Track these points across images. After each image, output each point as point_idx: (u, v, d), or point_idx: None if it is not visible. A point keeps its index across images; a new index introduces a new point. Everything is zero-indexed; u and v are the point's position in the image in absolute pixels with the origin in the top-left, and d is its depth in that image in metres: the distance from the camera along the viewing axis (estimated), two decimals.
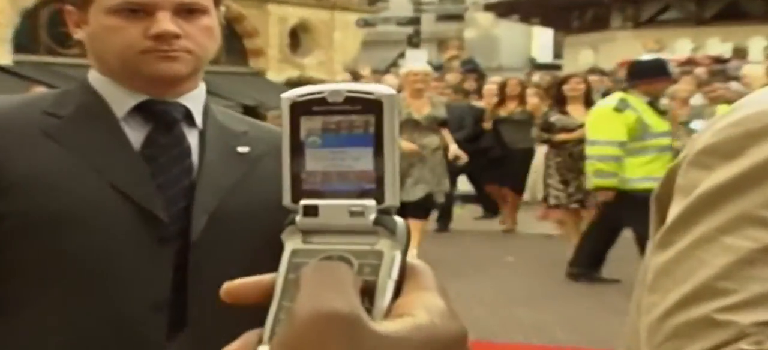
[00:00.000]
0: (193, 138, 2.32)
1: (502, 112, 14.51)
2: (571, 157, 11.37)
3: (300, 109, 0.85)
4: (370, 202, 0.83)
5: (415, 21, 31.36)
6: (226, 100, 33.46)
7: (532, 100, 14.62)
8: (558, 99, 12.27)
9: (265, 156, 2.35)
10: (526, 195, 14.79)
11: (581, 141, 10.69)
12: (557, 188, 11.60)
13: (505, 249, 13.07)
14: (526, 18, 34.39)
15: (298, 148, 0.85)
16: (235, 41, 39.01)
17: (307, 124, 0.84)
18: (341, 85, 0.83)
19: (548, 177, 11.80)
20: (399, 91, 10.22)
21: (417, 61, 15.39)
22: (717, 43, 25.10)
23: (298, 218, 0.84)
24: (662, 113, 9.98)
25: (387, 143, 0.83)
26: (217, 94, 33.95)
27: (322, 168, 0.84)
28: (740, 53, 23.01)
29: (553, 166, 11.75)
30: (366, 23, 35.95)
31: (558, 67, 29.42)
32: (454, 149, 11.82)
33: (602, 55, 26.95)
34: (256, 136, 2.44)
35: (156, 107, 2.29)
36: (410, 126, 10.69)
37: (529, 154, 14.02)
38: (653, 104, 9.75)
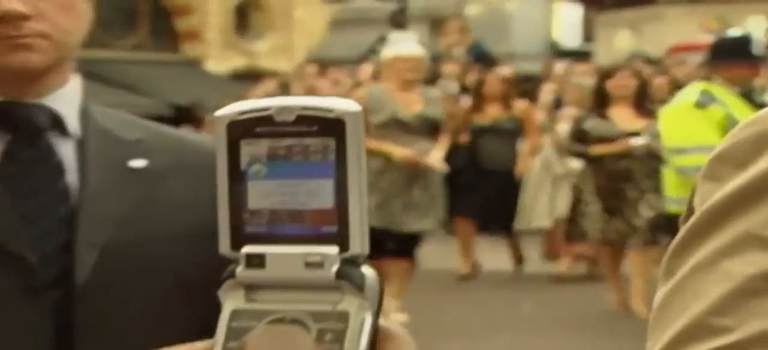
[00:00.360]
0: (67, 150, 2.14)
1: (481, 120, 13.90)
2: (609, 177, 11.18)
3: (240, 130, 0.84)
4: (332, 250, 0.82)
5: None
6: (151, 97, 33.86)
7: (521, 104, 14.11)
8: (599, 98, 11.91)
9: (168, 171, 2.18)
10: (520, 223, 14.44)
11: (624, 156, 10.62)
12: (599, 218, 11.33)
13: (513, 295, 13.06)
14: None
15: (237, 180, 0.84)
16: (163, 21, 39.32)
17: (249, 149, 0.84)
18: (292, 100, 0.83)
19: (583, 204, 11.56)
20: (379, 78, 9.99)
21: (405, 44, 15.23)
22: None
23: (240, 269, 0.83)
24: (759, 107, 9.78)
25: (352, 173, 0.82)
26: (139, 90, 34.17)
27: (269, 205, 0.84)
28: None
29: (590, 190, 11.47)
30: None
31: (587, 54, 29.61)
32: (435, 157, 10.98)
33: (646, 38, 27.11)
34: (155, 144, 2.24)
35: (13, 111, 2.12)
36: (395, 128, 10.12)
37: (511, 177, 13.69)
38: (748, 96, 9.60)
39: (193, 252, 1.95)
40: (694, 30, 25.53)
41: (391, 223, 9.66)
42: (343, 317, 0.81)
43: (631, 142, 10.66)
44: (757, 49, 10.45)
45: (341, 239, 0.82)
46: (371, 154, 8.84)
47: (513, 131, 13.44)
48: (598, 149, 11.07)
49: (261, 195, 0.84)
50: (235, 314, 0.84)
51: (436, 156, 10.93)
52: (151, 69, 36.96)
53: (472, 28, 28.70)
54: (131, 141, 2.23)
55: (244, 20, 40.06)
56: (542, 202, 13.08)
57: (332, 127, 0.81)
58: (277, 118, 0.83)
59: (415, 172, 10.06)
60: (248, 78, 20.83)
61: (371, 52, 24.29)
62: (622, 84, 11.29)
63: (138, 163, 2.17)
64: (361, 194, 0.82)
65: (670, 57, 19.12)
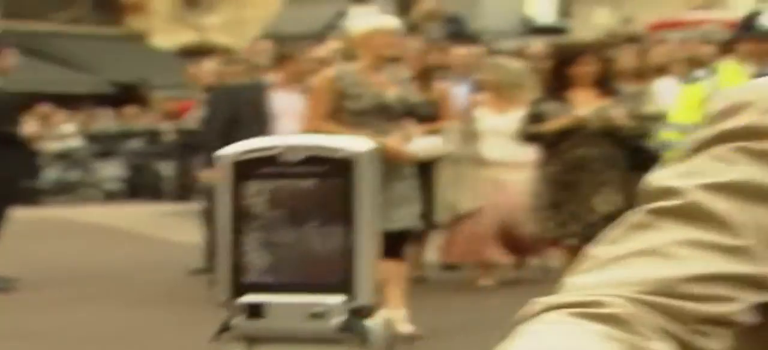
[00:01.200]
0: None
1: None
2: (565, 167, 10.73)
3: (244, 171, 0.84)
4: (337, 299, 0.82)
5: None
6: (93, 73, 33.64)
7: (438, 85, 12.91)
8: (557, 79, 11.46)
9: None
10: (442, 215, 13.23)
11: (583, 143, 10.36)
12: (548, 213, 10.86)
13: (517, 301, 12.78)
14: None
15: (240, 224, 0.83)
16: None
17: (253, 190, 0.84)
18: (300, 140, 0.83)
19: (534, 197, 11.07)
20: (349, 57, 9.56)
21: (378, 16, 14.54)
22: None
23: (240, 320, 0.83)
24: None
25: (361, 218, 0.82)
26: (79, 66, 34.00)
27: (272, 251, 0.83)
28: None
29: (542, 178, 11.00)
30: None
31: (563, 31, 29.62)
32: (426, 143, 10.53)
33: (626, 15, 27.13)
34: None
35: None
36: (377, 113, 9.30)
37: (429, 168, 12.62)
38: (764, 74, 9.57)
39: None
40: (678, 6, 25.63)
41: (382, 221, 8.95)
42: None
43: (578, 113, 10.24)
44: (764, 24, 10.34)
45: (347, 288, 0.82)
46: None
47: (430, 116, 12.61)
48: (549, 125, 10.54)
49: (264, 240, 0.83)
50: None
51: (425, 143, 10.49)
52: (92, 43, 36.63)
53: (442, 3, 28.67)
54: None
55: None
56: (445, 195, 12.25)
57: (340, 167, 0.81)
58: (283, 158, 0.83)
59: (395, 165, 9.22)
60: (198, 54, 20.35)
61: (330, 28, 24.18)
62: (585, 71, 10.90)
63: None
64: (371, 240, 0.82)
65: (650, 33, 18.99)
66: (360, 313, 0.83)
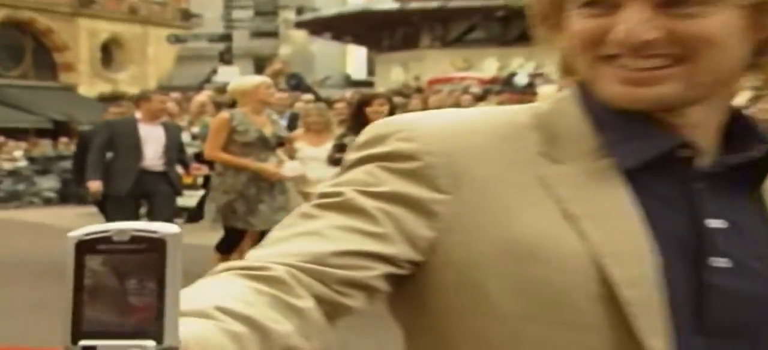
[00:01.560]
0: None
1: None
2: None
3: (85, 248, 0.80)
4: (150, 343, 0.78)
5: (226, 38, 31.51)
6: (36, 114, 33.08)
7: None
8: (357, 119, 10.92)
9: None
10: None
11: None
12: None
13: None
14: (339, 36, 34.87)
15: (81, 287, 0.79)
16: (45, 55, 38.40)
17: (92, 262, 0.80)
18: (127, 225, 0.80)
19: None
20: (233, 105, 9.27)
21: (231, 76, 14.93)
22: (521, 63, 25.96)
23: None
24: None
25: (169, 282, 0.79)
26: (26, 109, 33.30)
27: (103, 306, 0.79)
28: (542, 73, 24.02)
29: None
30: (177, 39, 36.19)
31: (371, 84, 29.83)
32: (292, 166, 10.19)
33: (412, 73, 27.43)
34: None
35: None
36: (259, 145, 9.07)
37: None
38: None
39: None
40: (448, 68, 26.03)
41: (264, 224, 9.01)
42: None
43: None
44: (520, 82, 10.90)
45: (158, 334, 0.78)
46: (240, 168, 8.56)
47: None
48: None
49: (98, 297, 0.79)
50: None
51: (291, 166, 10.22)
52: (35, 91, 36.01)
53: (287, 60, 28.75)
54: None
55: (108, 55, 39.47)
56: None
57: (156, 244, 0.78)
58: (115, 238, 0.79)
59: (276, 181, 9.25)
60: (111, 100, 20.37)
61: (206, 81, 24.03)
62: (377, 110, 10.90)
63: None
64: (176, 297, 0.79)
65: (429, 87, 19.47)
66: None
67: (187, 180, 12.59)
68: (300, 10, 36.54)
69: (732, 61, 1.16)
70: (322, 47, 37.37)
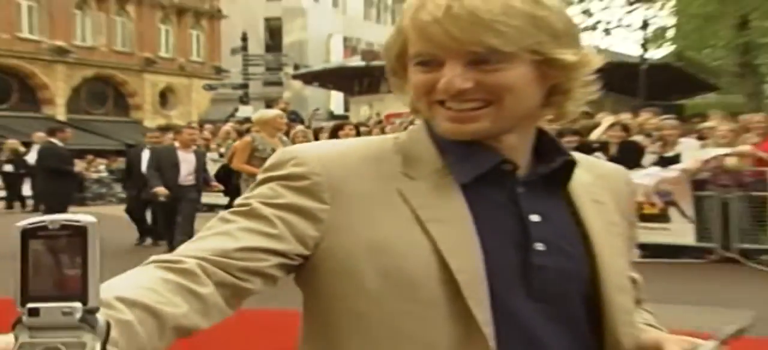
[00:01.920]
0: None
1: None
2: None
3: (29, 234, 0.78)
4: (77, 304, 0.76)
5: (244, 86, 31.41)
6: (114, 140, 32.76)
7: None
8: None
9: None
10: None
11: None
12: None
13: None
14: (324, 84, 34.51)
15: (26, 262, 0.78)
16: (121, 99, 38.21)
17: (34, 244, 0.77)
18: (58, 216, 0.77)
19: None
20: (257, 131, 8.98)
21: (248, 113, 14.45)
22: None
23: (25, 318, 0.77)
24: None
25: (91, 258, 0.77)
26: (108, 136, 32.99)
27: (43, 277, 0.77)
28: None
29: None
30: (210, 87, 35.95)
31: (347, 117, 29.78)
32: None
33: (375, 110, 27.40)
34: None
35: None
36: None
37: None
38: None
39: None
40: (400, 106, 25.96)
41: None
42: (82, 345, 0.75)
43: None
44: None
45: (83, 297, 0.75)
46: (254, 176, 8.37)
47: None
48: None
49: (40, 269, 0.76)
50: (22, 345, 0.77)
51: None
52: (114, 126, 35.71)
53: (290, 102, 28.64)
54: None
55: (164, 99, 39.15)
56: None
57: (80, 231, 0.75)
58: (50, 227, 0.76)
59: None
60: (167, 130, 19.97)
61: (230, 117, 23.84)
62: (347, 133, 10.79)
63: None
64: (96, 269, 0.76)
65: (387, 120, 19.30)
66: (91, 312, 0.76)
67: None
68: (296, 67, 36.31)
69: (529, 101, 1.13)
70: (313, 92, 37.12)
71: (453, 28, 1.05)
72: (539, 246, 1.13)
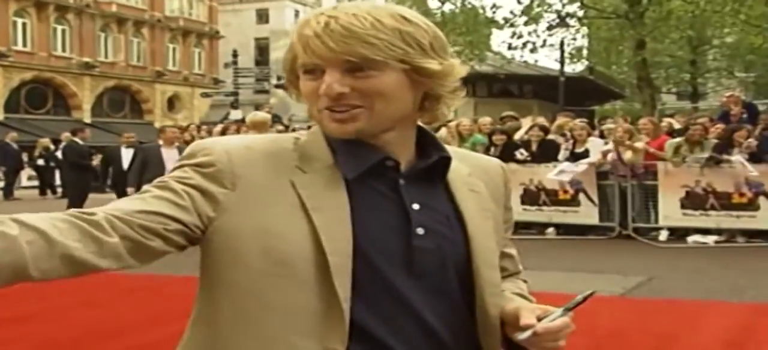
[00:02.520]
0: None
1: None
2: None
3: None
4: None
5: (235, 94, 31.24)
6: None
7: None
8: None
9: None
10: None
11: None
12: None
13: None
14: None
15: None
16: (136, 104, 37.85)
17: None
18: None
19: None
20: (249, 130, 8.50)
21: (237, 116, 14.18)
22: None
23: None
24: None
25: None
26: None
27: None
28: None
29: None
30: (206, 95, 35.90)
31: None
32: None
33: None
34: None
35: None
36: None
37: None
38: None
39: None
40: None
41: None
42: None
43: None
44: None
45: None
46: None
47: None
48: None
49: None
50: None
51: None
52: (130, 126, 35.33)
53: (274, 108, 28.43)
54: None
55: (172, 104, 38.64)
56: None
57: None
58: None
59: None
60: (175, 129, 19.90)
61: (224, 119, 23.65)
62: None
63: None
64: None
65: None
66: None
67: None
68: (280, 78, 36.02)
69: (401, 104, 1.08)
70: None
71: (330, 41, 1.03)
72: (420, 231, 1.09)
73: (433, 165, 1.14)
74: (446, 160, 1.16)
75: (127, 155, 10.80)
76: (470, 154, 1.27)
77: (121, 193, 10.59)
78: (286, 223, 1.05)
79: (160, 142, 9.64)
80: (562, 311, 1.05)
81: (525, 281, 1.31)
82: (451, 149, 1.20)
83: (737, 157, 9.03)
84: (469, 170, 1.21)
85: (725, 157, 9.08)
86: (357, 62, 1.04)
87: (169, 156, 9.35)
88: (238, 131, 12.18)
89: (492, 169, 1.26)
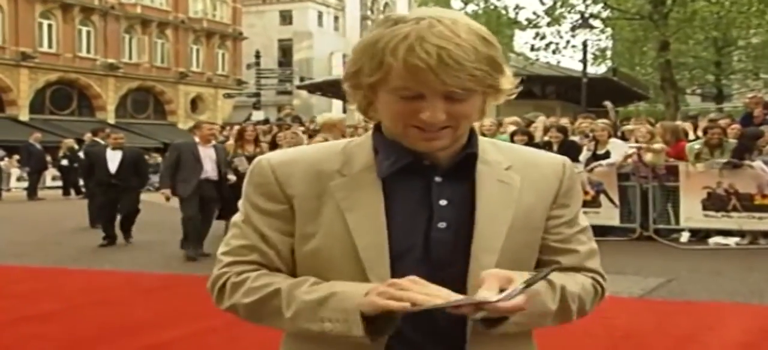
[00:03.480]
0: None
1: (241, 151, 9.91)
2: None
3: None
4: None
5: (257, 95, 31.32)
6: (154, 139, 32.70)
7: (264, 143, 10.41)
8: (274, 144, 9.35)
9: None
10: None
11: None
12: None
13: None
14: (326, 94, 34.34)
15: None
16: (159, 105, 38.11)
17: None
18: None
19: None
20: (325, 135, 7.56)
21: (259, 117, 13.81)
22: None
23: None
24: None
25: None
26: (148, 136, 32.91)
27: None
28: None
29: None
30: (229, 96, 35.98)
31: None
32: None
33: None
34: None
35: None
36: None
37: None
38: None
39: None
40: None
41: None
42: None
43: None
44: None
45: None
46: None
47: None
48: None
49: None
50: None
51: None
52: (153, 127, 35.62)
53: (297, 109, 28.58)
54: None
55: (195, 105, 38.86)
56: None
57: None
58: None
59: None
60: (197, 129, 19.94)
61: (247, 119, 23.79)
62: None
63: None
64: None
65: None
66: None
67: None
68: (303, 79, 36.36)
69: (476, 118, 1.15)
70: (318, 100, 37.05)
71: (446, 77, 1.06)
72: (441, 225, 1.14)
73: (462, 161, 1.18)
74: (472, 156, 1.19)
75: (113, 157, 9.84)
76: (526, 149, 1.29)
77: (108, 198, 9.86)
78: (324, 227, 1.14)
79: (196, 140, 8.79)
80: (522, 286, 1.04)
81: (595, 279, 1.27)
82: (505, 145, 1.26)
83: (758, 162, 8.95)
84: (510, 164, 1.22)
85: (746, 162, 9.00)
86: (459, 92, 1.08)
87: (206, 154, 8.54)
88: (313, 133, 10.75)
89: (546, 164, 1.25)
